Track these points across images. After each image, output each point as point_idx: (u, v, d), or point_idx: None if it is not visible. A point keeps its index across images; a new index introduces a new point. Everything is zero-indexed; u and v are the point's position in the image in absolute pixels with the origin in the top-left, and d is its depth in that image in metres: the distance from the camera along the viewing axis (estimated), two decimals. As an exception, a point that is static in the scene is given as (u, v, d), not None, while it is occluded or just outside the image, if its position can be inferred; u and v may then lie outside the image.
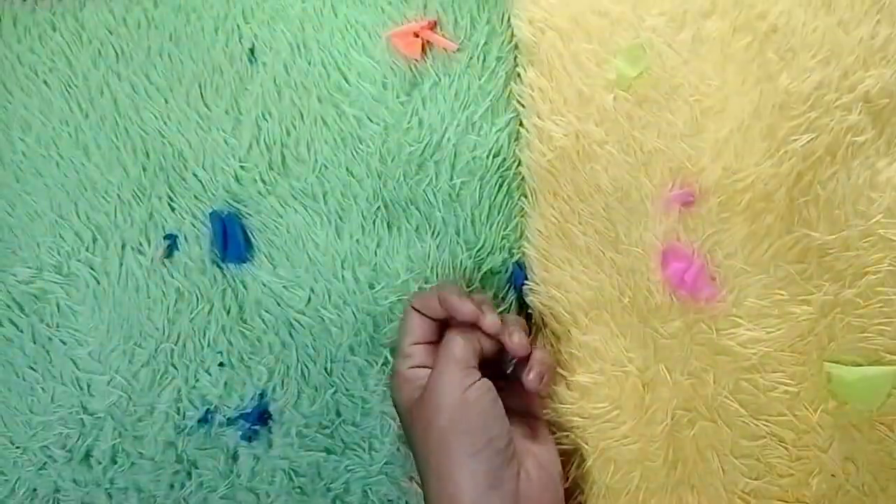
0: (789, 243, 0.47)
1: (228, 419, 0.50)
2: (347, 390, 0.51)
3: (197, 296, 0.51)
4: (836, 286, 0.46)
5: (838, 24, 0.49)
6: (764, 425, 0.45)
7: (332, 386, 0.51)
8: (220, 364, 0.51)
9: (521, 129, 0.53)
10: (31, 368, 0.52)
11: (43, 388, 0.51)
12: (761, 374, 0.46)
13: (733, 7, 0.50)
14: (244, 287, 0.52)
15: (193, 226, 0.52)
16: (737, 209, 0.47)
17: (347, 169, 0.52)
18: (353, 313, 0.51)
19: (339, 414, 0.50)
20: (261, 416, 0.50)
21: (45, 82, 0.55)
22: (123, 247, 0.52)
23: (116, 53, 0.54)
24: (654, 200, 0.49)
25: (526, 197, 0.53)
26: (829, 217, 0.47)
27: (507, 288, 0.52)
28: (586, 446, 0.47)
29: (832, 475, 0.45)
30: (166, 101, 0.54)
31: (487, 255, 0.52)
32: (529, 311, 0.52)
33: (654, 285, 0.48)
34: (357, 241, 0.51)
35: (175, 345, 0.51)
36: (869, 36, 0.49)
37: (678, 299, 0.47)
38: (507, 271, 0.53)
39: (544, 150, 0.51)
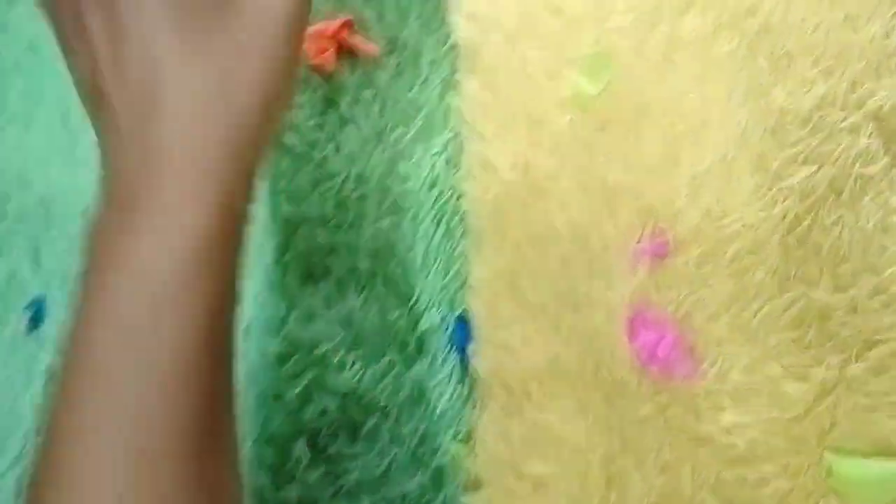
0: (784, 305, 0.38)
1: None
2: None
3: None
4: (840, 358, 0.38)
5: (845, 19, 0.40)
6: (750, 533, 0.38)
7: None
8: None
9: (462, 154, 0.43)
10: None
11: None
12: (749, 466, 0.38)
13: (716, 1, 0.40)
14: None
15: (62, 288, 0.43)
16: (720, 262, 0.39)
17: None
18: (263, 398, 0.42)
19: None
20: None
21: None
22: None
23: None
24: (619, 250, 0.40)
25: (469, 238, 0.43)
26: (832, 272, 0.38)
27: (448, 349, 0.44)
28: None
29: (831, 583, 0.38)
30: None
31: (424, 311, 0.43)
32: (475, 378, 0.44)
33: (620, 358, 0.39)
34: (262, 303, 0.42)
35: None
36: (883, 34, 0.40)
37: (650, 376, 0.39)
38: (447, 329, 0.44)
39: (488, 182, 0.42)
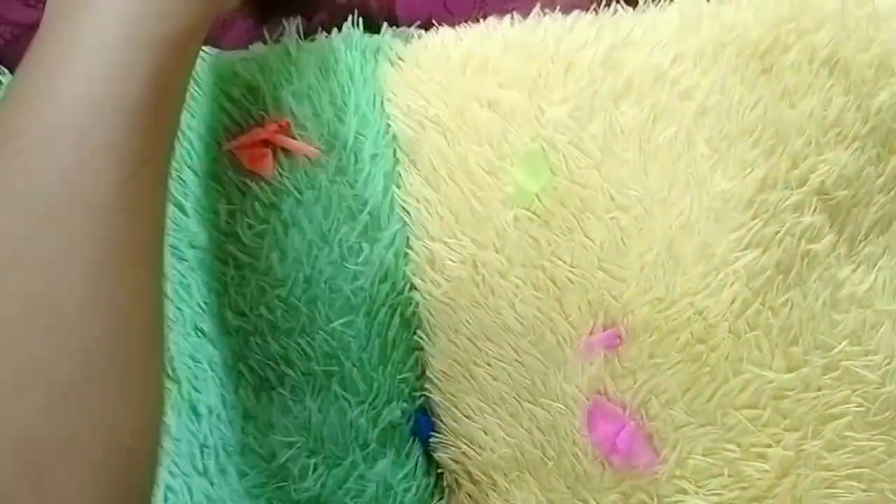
0: (739, 386, 0.38)
1: None
2: None
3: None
4: (796, 436, 0.38)
5: (782, 95, 0.40)
6: None
7: None
8: None
9: (409, 251, 0.43)
10: None
11: None
12: (713, 553, 0.38)
13: (652, 85, 0.40)
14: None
15: None
16: (672, 350, 0.39)
17: (197, 329, 0.42)
18: (227, 512, 0.42)
19: None
20: None
21: None
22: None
23: None
24: (573, 343, 0.40)
25: (424, 333, 0.43)
26: (784, 352, 0.38)
27: (410, 442, 0.43)
28: None
29: None
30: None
31: (384, 407, 0.43)
32: (440, 469, 0.43)
33: (581, 449, 0.39)
34: (218, 416, 0.42)
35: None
36: (821, 107, 0.40)
37: (612, 466, 0.39)
38: (408, 421, 0.44)
39: (437, 278, 0.42)
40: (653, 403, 0.39)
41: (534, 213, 0.40)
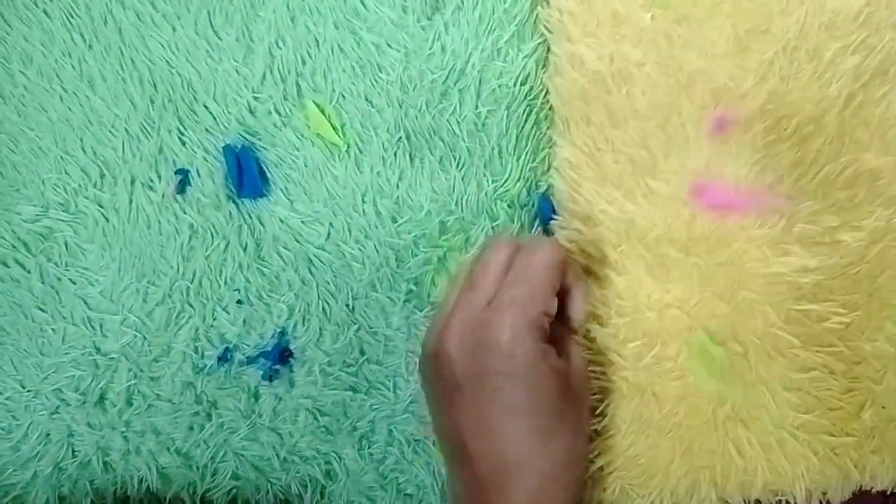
0: (839, 168, 0.43)
1: (248, 358, 0.47)
2: (371, 328, 0.48)
3: (212, 232, 0.48)
4: (888, 212, 0.43)
5: (891, -68, 0.45)
6: (816, 356, 0.42)
7: (355, 323, 0.48)
8: (238, 302, 0.48)
9: (551, 55, 0.49)
10: (40, 309, 0.49)
11: (53, 329, 0.48)
12: (813, 303, 0.42)
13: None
14: (261, 223, 0.48)
15: (206, 160, 0.49)
16: (783, 134, 0.44)
17: (366, 98, 0.48)
18: (375, 248, 0.48)
19: (362, 352, 0.48)
20: (281, 355, 0.47)
21: (45, 12, 0.51)
22: (133, 182, 0.49)
23: (120, -21, 0.50)
24: (695, 125, 0.45)
25: (555, 126, 0.49)
26: (881, 139, 0.43)
27: (534, 223, 0.49)
28: (626, 383, 0.44)
29: (883, 407, 0.42)
30: (174, 30, 0.50)
31: (514, 187, 0.49)
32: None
33: (697, 213, 0.44)
34: (378, 173, 0.48)
35: (191, 283, 0.48)
36: (922, -52, 0.45)
37: (724, 227, 0.44)
38: (532, 205, 0.49)
39: (576, 75, 0.47)
40: (764, 177, 0.44)
41: (670, 12, 0.46)
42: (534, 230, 0.49)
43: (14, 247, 0.49)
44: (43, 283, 0.49)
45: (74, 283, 0.48)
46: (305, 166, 0.48)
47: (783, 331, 0.43)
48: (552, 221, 0.49)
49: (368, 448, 0.48)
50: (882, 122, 0.43)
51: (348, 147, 0.48)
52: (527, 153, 0.49)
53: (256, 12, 0.49)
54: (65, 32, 0.50)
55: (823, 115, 0.44)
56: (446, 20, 0.49)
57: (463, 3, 0.49)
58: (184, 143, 0.49)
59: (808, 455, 0.43)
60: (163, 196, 0.48)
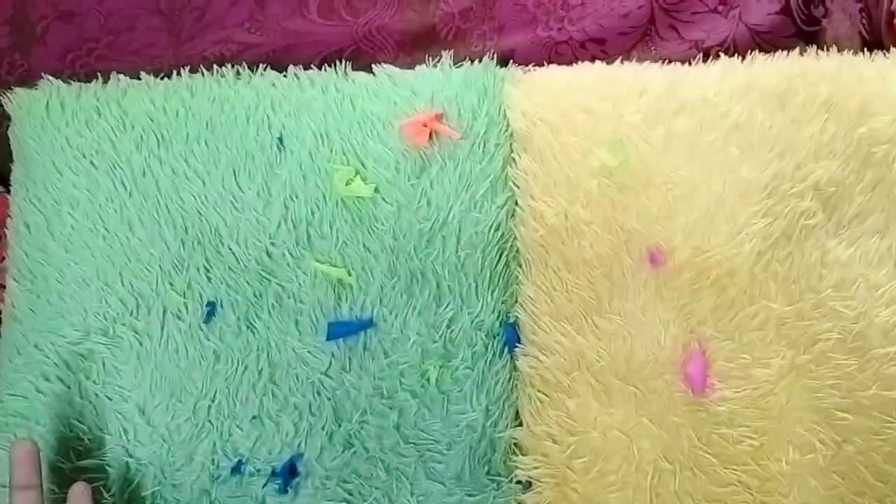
0: (752, 313, 0.53)
1: (258, 470, 0.55)
2: (365, 449, 0.55)
3: (231, 358, 0.56)
4: (792, 352, 0.52)
5: (792, 122, 0.56)
6: (732, 473, 0.51)
7: (352, 445, 0.56)
8: (253, 418, 0.56)
9: (517, 208, 0.59)
10: (78, 421, 0.56)
11: (89, 440, 0.56)
12: (730, 427, 0.51)
13: (700, 107, 0.57)
14: (277, 350, 0.57)
15: (228, 294, 0.57)
16: (705, 283, 0.53)
17: (364, 245, 0.58)
18: (370, 379, 0.56)
19: (356, 471, 0.55)
20: (291, 471, 0.55)
21: (92, 163, 0.60)
22: (164, 313, 0.58)
23: (157, 139, 0.61)
24: (634, 275, 0.55)
25: (521, 266, 0.58)
26: (786, 291, 0.53)
27: (502, 348, 0.57)
28: (576, 493, 0.52)
29: (792, 519, 0.50)
30: (203, 184, 0.59)
31: (489, 318, 0.57)
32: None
33: (635, 348, 0.53)
34: (376, 312, 0.57)
35: (212, 402, 0.56)
36: (819, 132, 0.56)
37: (658, 360, 0.53)
38: (502, 334, 0.58)
39: (537, 226, 0.57)
40: (690, 321, 0.53)
41: (612, 181, 0.56)
42: (503, 354, 0.58)
43: (57, 365, 0.57)
44: (81, 398, 0.57)
45: (111, 399, 0.57)
46: (316, 302, 0.58)
47: (704, 451, 0.51)
48: (515, 349, 0.58)
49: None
50: (786, 277, 0.53)
51: (352, 287, 0.57)
52: (499, 289, 0.58)
53: (274, 171, 0.59)
54: (108, 181, 0.60)
55: (738, 269, 0.53)
56: (432, 178, 0.59)
57: (446, 164, 0.59)
58: (209, 279, 0.58)
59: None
60: (190, 325, 0.57)
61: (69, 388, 0.57)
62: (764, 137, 0.55)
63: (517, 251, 0.59)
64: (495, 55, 0.63)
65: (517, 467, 0.54)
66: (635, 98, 0.57)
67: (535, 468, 0.54)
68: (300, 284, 0.58)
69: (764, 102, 0.56)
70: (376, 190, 0.59)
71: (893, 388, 0.51)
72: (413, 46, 0.65)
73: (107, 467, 0.56)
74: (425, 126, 0.60)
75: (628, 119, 0.57)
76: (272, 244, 0.58)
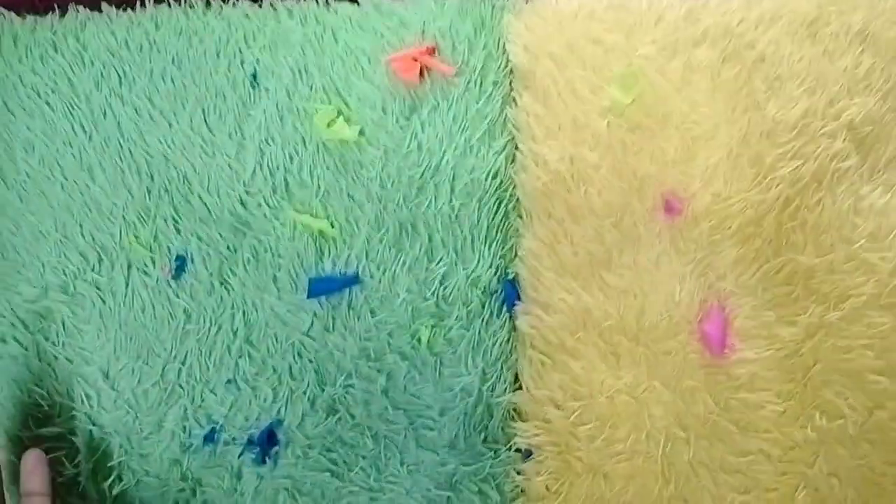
0: (777, 266, 0.48)
1: (234, 438, 0.51)
2: (350, 415, 0.51)
3: (204, 317, 0.52)
4: (821, 308, 0.47)
5: (823, 53, 0.50)
6: (752, 441, 0.46)
7: (336, 412, 0.51)
8: (227, 382, 0.51)
9: (517, 152, 0.53)
10: (37, 385, 0.52)
11: (48, 405, 0.51)
12: (750, 392, 0.47)
13: (723, 37, 0.51)
14: (253, 308, 0.52)
15: (199, 248, 0.52)
16: (726, 233, 0.48)
17: (349, 194, 0.52)
18: (355, 340, 0.51)
19: (340, 438, 0.51)
20: (269, 439, 0.51)
21: (48, 103, 0.55)
22: (129, 267, 0.53)
23: (119, 76, 0.55)
24: (646, 225, 0.49)
25: (521, 217, 0.53)
26: (815, 241, 0.48)
27: (500, 306, 0.53)
28: (580, 463, 0.48)
29: (816, 489, 0.46)
30: (170, 125, 0.54)
31: (485, 274, 0.52)
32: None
33: (648, 305, 0.48)
34: (362, 267, 0.52)
35: (182, 364, 0.51)
36: (853, 66, 0.50)
37: (671, 319, 0.48)
38: (500, 291, 0.53)
39: (539, 173, 0.52)
40: (708, 275, 0.48)
41: (623, 121, 0.50)
42: (501, 313, 0.53)
43: (13, 325, 0.53)
44: (40, 360, 0.52)
45: (72, 361, 0.52)
46: (296, 257, 0.52)
47: (722, 417, 0.47)
48: (515, 307, 0.53)
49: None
50: (816, 226, 0.48)
51: (335, 240, 0.52)
52: (497, 242, 0.53)
53: (248, 111, 0.53)
54: (66, 123, 0.54)
55: (763, 217, 0.48)
56: (423, 120, 0.53)
57: (438, 103, 0.54)
58: (178, 231, 0.53)
59: (750, 531, 0.47)
60: (157, 280, 0.52)
61: (26, 349, 0.52)
62: (792, 71, 0.50)
63: (517, 200, 0.53)
64: (493, -18, 0.57)
65: (516, 434, 0.50)
66: (650, 27, 0.51)
67: (536, 435, 0.49)
68: (278, 237, 0.52)
69: (793, 32, 0.51)
70: (361, 132, 0.53)
71: (931, 349, 0.46)
72: (402, -27, 0.58)
73: (68, 436, 0.51)
74: (415, 61, 0.54)
75: (643, 50, 0.51)
76: (247, 193, 0.53)
